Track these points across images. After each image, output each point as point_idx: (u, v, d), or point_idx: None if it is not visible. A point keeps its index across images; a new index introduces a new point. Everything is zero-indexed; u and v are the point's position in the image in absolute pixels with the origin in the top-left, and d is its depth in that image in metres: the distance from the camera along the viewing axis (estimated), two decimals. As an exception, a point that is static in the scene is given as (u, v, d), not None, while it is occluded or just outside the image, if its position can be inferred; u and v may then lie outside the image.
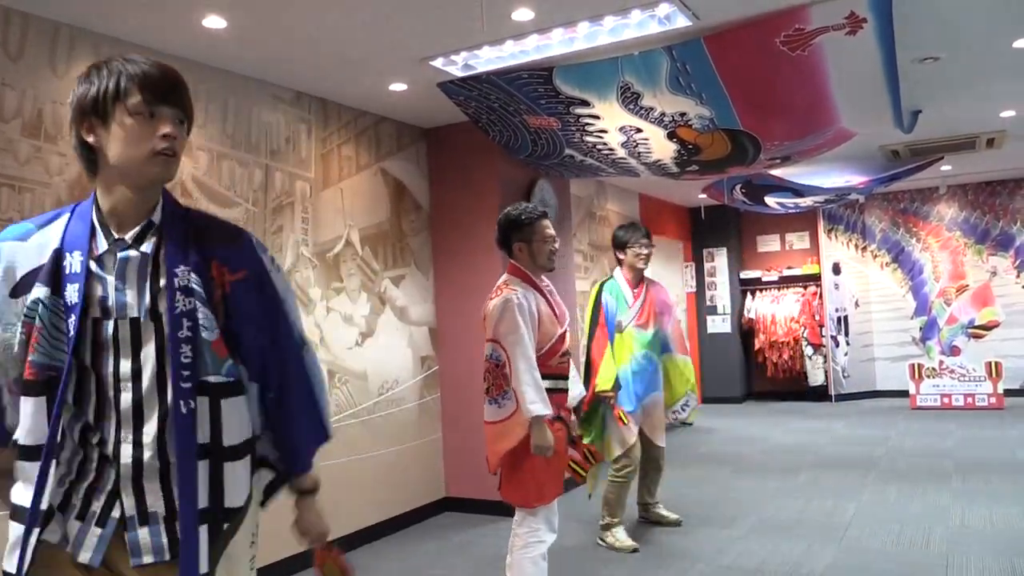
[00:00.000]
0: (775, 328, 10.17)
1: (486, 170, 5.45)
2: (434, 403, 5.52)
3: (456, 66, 4.27)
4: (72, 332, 1.44)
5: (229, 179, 4.13)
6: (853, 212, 10.25)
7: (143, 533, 1.48)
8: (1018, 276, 9.57)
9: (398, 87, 4.63)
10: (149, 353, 1.48)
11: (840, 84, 4.31)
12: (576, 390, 3.47)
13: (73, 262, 1.47)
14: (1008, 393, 8.96)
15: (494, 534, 4.77)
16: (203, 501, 1.49)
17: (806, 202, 8.41)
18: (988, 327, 9.49)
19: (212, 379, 1.51)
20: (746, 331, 10.50)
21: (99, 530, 1.48)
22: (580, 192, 7.40)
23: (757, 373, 10.55)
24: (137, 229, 1.51)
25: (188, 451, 1.46)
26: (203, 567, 1.46)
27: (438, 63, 4.21)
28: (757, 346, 10.34)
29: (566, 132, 4.89)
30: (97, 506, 1.48)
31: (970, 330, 9.59)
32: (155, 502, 1.48)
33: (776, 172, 6.86)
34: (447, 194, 5.57)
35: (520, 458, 3.14)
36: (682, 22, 3.74)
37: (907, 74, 4.57)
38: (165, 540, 1.48)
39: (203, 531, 1.48)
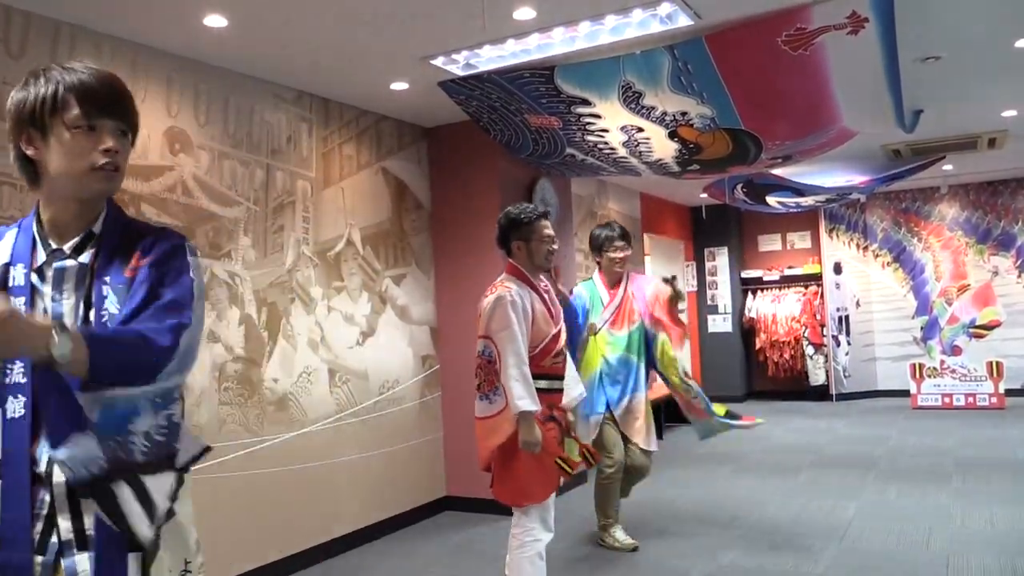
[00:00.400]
0: (776, 327, 10.18)
1: (487, 169, 5.44)
2: (435, 402, 5.52)
3: (457, 65, 4.27)
4: None
5: (230, 178, 4.13)
6: (854, 212, 10.25)
7: (81, 559, 1.37)
8: (1019, 276, 9.57)
9: (399, 86, 4.63)
10: None
11: (842, 83, 4.31)
12: (576, 391, 3.47)
13: (17, 275, 1.43)
14: (1009, 393, 8.96)
15: (494, 533, 4.77)
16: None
17: (807, 201, 8.40)
18: (989, 327, 9.47)
19: None
20: (747, 330, 10.50)
21: (40, 558, 1.38)
22: (581, 191, 7.39)
23: (758, 372, 10.55)
24: (77, 239, 1.47)
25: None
26: None
27: (439, 62, 4.21)
28: (758, 345, 10.34)
29: (567, 131, 4.88)
30: (35, 532, 1.38)
31: (971, 330, 9.57)
32: (92, 525, 1.38)
33: (777, 171, 6.85)
34: (448, 193, 5.57)
35: (510, 456, 3.16)
36: (684, 21, 3.74)
37: (909, 74, 4.57)
38: None
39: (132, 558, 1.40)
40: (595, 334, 4.47)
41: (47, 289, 1.44)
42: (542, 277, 3.40)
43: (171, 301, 1.43)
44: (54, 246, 1.47)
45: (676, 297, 4.54)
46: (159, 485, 1.41)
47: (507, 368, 3.08)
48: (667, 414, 7.95)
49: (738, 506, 5.24)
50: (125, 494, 1.36)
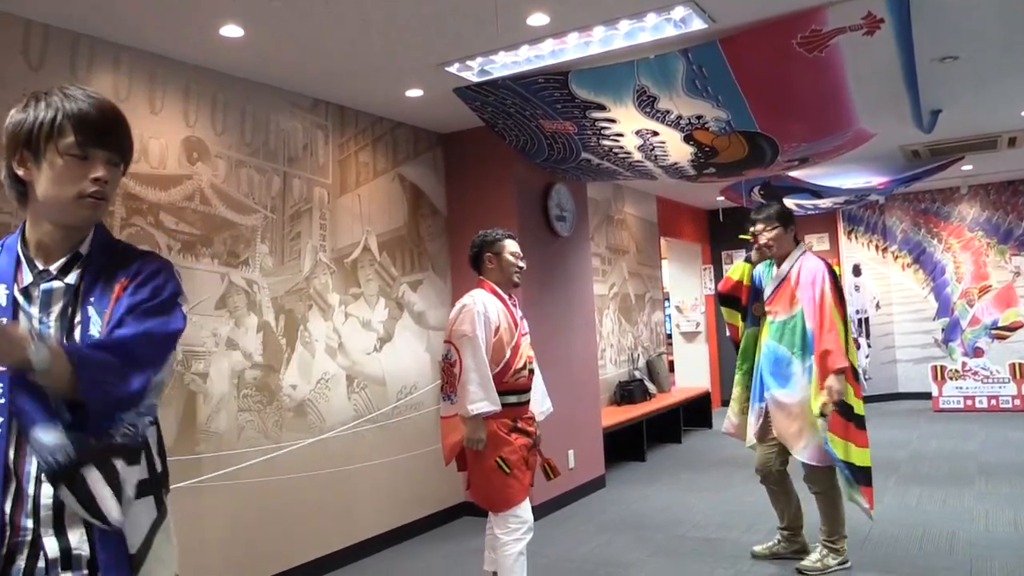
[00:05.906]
0: (795, 330, 10.09)
1: (502, 174, 5.46)
2: (452, 407, 5.52)
3: (472, 72, 4.28)
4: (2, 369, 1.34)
5: (248, 186, 4.16)
6: (873, 213, 10.17)
7: None
8: (1042, 276, 9.46)
9: (414, 93, 4.65)
10: None
11: (858, 85, 4.29)
12: (544, 405, 3.64)
13: None
14: (1033, 395, 8.86)
15: (513, 538, 4.76)
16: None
17: (825, 203, 8.37)
18: (1011, 328, 9.38)
19: None
20: (765, 333, 10.43)
21: None
22: (597, 195, 7.39)
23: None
24: (63, 260, 1.46)
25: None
26: None
27: (454, 69, 4.22)
28: (777, 348, 10.27)
29: (582, 136, 4.89)
30: (21, 560, 1.35)
31: (993, 331, 9.48)
32: (79, 543, 1.37)
33: (794, 173, 6.82)
34: (464, 198, 5.59)
35: (479, 460, 3.35)
36: (698, 25, 3.73)
37: (926, 74, 4.54)
38: None
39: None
40: (759, 315, 4.21)
41: (34, 310, 1.42)
42: (511, 294, 3.58)
43: (142, 324, 1.42)
44: (40, 267, 1.45)
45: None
46: (129, 474, 1.39)
47: (466, 371, 3.29)
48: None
49: (757, 511, 5.20)
50: (94, 476, 1.34)
